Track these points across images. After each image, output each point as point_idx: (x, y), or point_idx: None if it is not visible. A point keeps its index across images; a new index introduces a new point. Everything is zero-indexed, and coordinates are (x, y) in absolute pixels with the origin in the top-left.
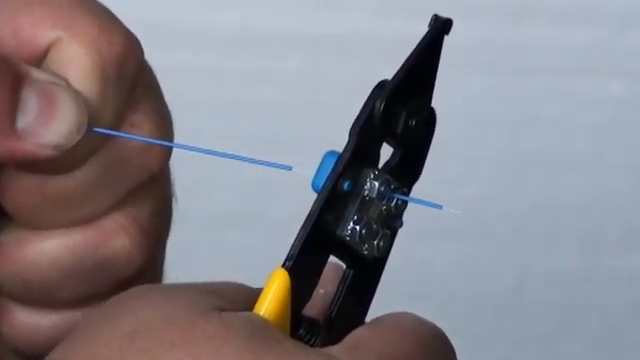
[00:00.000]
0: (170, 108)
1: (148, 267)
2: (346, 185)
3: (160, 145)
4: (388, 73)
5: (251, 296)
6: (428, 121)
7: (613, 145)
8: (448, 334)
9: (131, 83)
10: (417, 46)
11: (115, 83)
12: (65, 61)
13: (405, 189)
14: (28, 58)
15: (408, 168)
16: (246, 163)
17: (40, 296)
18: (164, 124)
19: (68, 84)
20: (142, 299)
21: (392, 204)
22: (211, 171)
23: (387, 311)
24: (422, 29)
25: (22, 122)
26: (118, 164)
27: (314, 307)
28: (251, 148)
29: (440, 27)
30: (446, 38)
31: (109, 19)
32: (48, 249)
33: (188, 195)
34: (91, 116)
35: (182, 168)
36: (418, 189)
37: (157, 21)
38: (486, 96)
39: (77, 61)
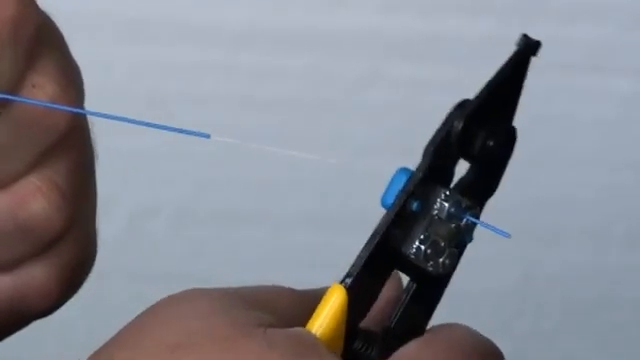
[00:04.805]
0: (77, 65)
1: (73, 227)
2: (415, 205)
3: (66, 104)
4: (393, 69)
5: (307, 306)
6: (507, 140)
7: (619, 141)
8: None
9: (29, 45)
10: (503, 66)
11: (10, 46)
12: None
13: (477, 208)
14: None
15: (483, 184)
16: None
17: None
18: (68, 83)
19: None
20: (186, 308)
21: (462, 222)
22: (221, 169)
23: None
24: (428, 25)
25: None
26: (24, 126)
27: (372, 313)
28: (259, 143)
29: (528, 48)
30: (452, 35)
31: None
32: None
33: (200, 193)
34: None
35: (193, 167)
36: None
37: (166, 18)
38: None
39: None
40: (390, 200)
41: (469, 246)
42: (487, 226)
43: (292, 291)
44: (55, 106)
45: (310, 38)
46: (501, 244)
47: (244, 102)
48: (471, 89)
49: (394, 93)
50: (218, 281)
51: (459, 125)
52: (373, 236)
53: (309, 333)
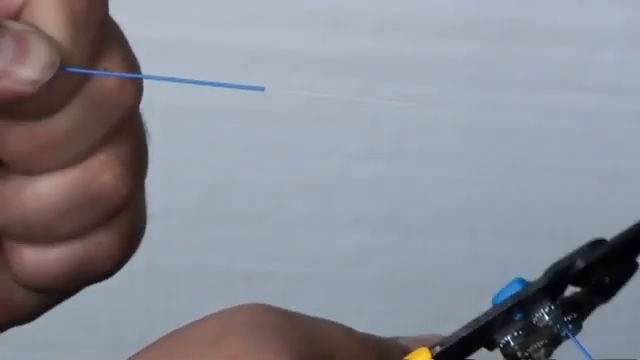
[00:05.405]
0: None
1: (133, 198)
2: (518, 316)
3: (132, 84)
4: (390, 89)
5: (367, 352)
6: (624, 276)
7: (582, 152)
8: (439, 319)
9: (99, 32)
10: None
11: (84, 30)
12: (36, 16)
13: (580, 322)
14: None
15: (591, 303)
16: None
17: (42, 234)
18: (132, 70)
19: (40, 30)
20: (250, 329)
21: (560, 332)
22: (231, 174)
23: (388, 297)
24: (416, 48)
25: (0, 64)
26: (97, 105)
27: None
28: (262, 156)
29: None
30: (438, 56)
31: None
32: (44, 192)
33: (211, 195)
34: (64, 59)
35: (205, 171)
36: (416, 186)
37: (176, 40)
38: (474, 107)
39: (48, 15)
40: (499, 300)
41: (466, 244)
42: (579, 345)
43: (352, 333)
44: (125, 75)
45: (310, 60)
46: (480, 243)
47: (246, 118)
48: (455, 104)
49: (386, 108)
50: (223, 278)
51: (581, 265)
52: (473, 323)
53: None
